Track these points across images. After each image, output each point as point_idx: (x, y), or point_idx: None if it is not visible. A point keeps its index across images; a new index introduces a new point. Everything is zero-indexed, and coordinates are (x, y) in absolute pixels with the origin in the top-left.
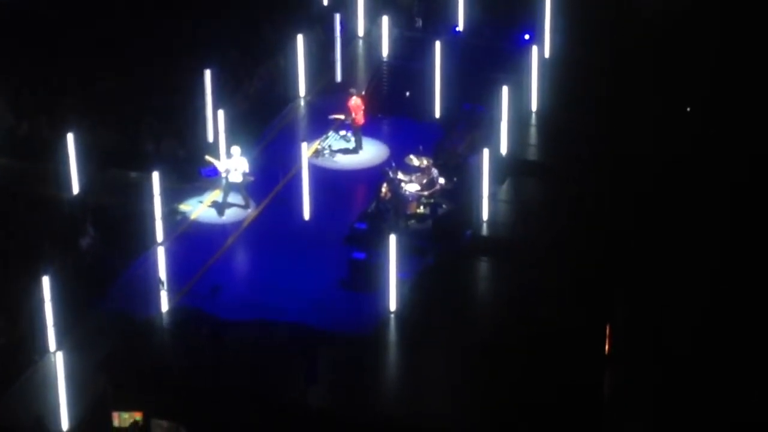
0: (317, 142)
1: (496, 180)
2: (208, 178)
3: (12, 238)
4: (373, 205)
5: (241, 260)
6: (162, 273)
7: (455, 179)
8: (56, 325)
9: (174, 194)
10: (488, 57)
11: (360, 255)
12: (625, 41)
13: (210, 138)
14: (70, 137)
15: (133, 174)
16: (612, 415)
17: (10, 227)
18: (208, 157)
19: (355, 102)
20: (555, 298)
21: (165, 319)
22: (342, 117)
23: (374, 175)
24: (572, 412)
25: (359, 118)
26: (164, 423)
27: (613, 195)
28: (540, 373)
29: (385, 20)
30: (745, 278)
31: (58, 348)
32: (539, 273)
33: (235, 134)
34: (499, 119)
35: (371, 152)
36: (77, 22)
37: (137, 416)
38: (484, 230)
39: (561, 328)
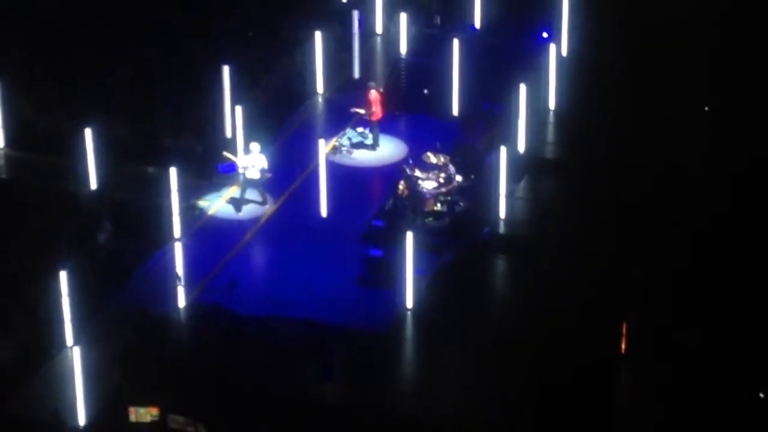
0: (335, 138)
1: (513, 178)
2: (225, 174)
3: (30, 232)
4: (391, 202)
5: (259, 256)
6: (179, 268)
7: (473, 177)
8: (73, 319)
9: (191, 190)
10: (506, 55)
11: (377, 252)
12: (642, 39)
13: (228, 134)
14: (88, 132)
15: (151, 169)
16: (626, 414)
17: (28, 222)
18: (225, 153)
19: (374, 96)
20: (571, 296)
21: (182, 315)
22: (362, 111)
23: (392, 173)
24: (587, 410)
25: (378, 111)
26: (181, 418)
27: (629, 194)
28: (555, 371)
29: (403, 17)
30: (762, 277)
31: (76, 342)
32: (556, 271)
33: (252, 130)
34: (517, 117)
35: (389, 149)
36: (96, 16)
37: (153, 411)
38: (501, 228)
39: (577, 326)
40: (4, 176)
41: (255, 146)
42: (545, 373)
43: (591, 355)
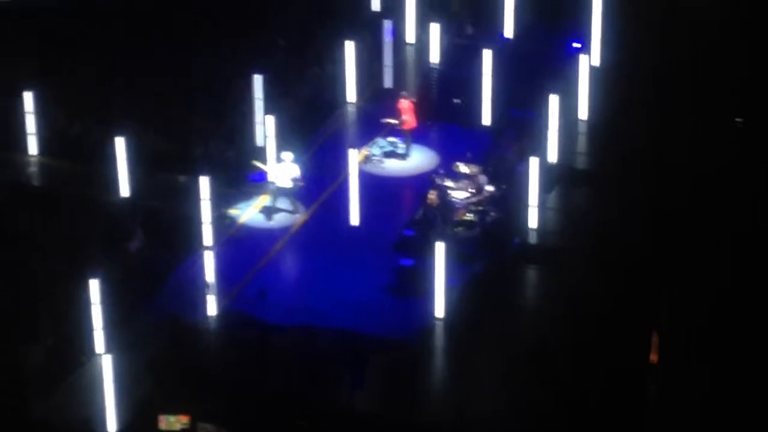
0: (366, 148)
1: (544, 188)
2: (256, 183)
3: (62, 239)
4: (421, 211)
5: (289, 265)
6: (210, 277)
7: (503, 187)
8: (104, 327)
9: (223, 198)
10: (538, 65)
11: (407, 261)
12: (675, 49)
13: (259, 143)
14: (120, 140)
15: (182, 178)
16: (658, 422)
17: (60, 229)
18: (255, 162)
19: (406, 105)
20: (602, 307)
21: (213, 323)
22: (395, 121)
23: (422, 182)
24: (618, 421)
25: (410, 120)
26: (210, 427)
27: (661, 204)
28: (587, 380)
29: (435, 27)
30: None
31: (106, 350)
32: (586, 281)
33: (284, 139)
34: (548, 127)
35: (420, 159)
36: (130, 24)
37: (184, 419)
38: (532, 238)
39: (608, 337)
40: (36, 183)
41: (287, 155)
42: (576, 383)
43: (622, 366)
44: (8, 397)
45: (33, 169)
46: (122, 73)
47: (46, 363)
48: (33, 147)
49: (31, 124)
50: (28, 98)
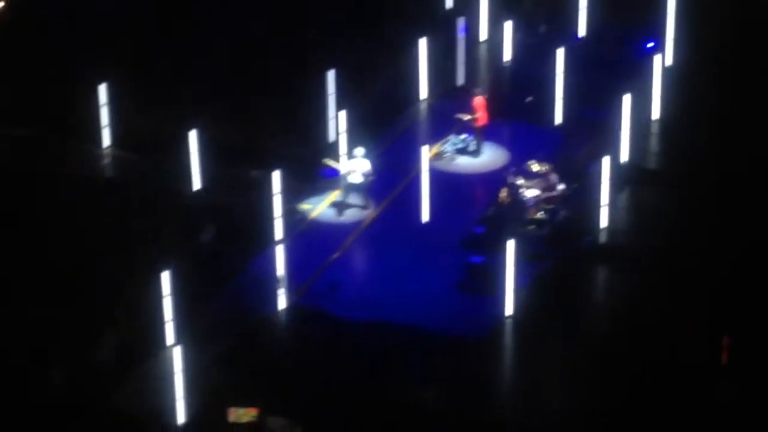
0: (438, 144)
1: (615, 187)
2: (328, 178)
3: (133, 231)
4: (492, 209)
5: (359, 260)
6: (280, 271)
7: (575, 185)
8: (175, 319)
9: (294, 193)
10: (611, 64)
11: (477, 259)
12: (748, 50)
13: (331, 138)
14: (193, 133)
15: (254, 171)
16: (728, 424)
17: (131, 221)
18: (326, 160)
19: (480, 101)
20: (672, 307)
21: (282, 317)
22: (468, 117)
23: (494, 180)
24: (688, 422)
25: (483, 117)
26: (280, 420)
27: (733, 205)
28: (655, 382)
29: (508, 25)
30: None
31: (177, 342)
32: (657, 281)
33: (356, 135)
34: (620, 127)
35: (491, 157)
36: (203, 18)
37: (252, 412)
38: (603, 237)
39: (678, 337)
40: (109, 175)
41: (359, 150)
42: (645, 383)
43: (692, 367)
44: (81, 387)
45: (106, 161)
46: (196, 65)
47: (117, 354)
48: (106, 139)
49: (104, 115)
50: (102, 90)
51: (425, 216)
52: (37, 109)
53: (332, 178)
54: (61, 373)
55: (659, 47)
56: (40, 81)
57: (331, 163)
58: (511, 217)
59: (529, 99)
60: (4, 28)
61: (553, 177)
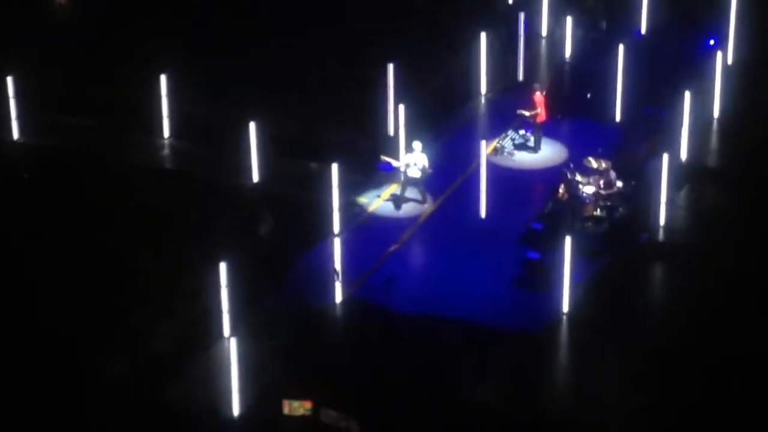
0: (496, 140)
1: (674, 185)
2: (386, 172)
3: (192, 222)
4: (550, 205)
5: (416, 255)
6: (337, 264)
7: (633, 183)
8: (231, 310)
9: (352, 186)
10: (672, 61)
11: (535, 255)
12: None
13: (390, 132)
14: (252, 125)
15: (313, 164)
16: None
17: (191, 212)
18: (384, 157)
19: (539, 97)
20: (731, 306)
21: (339, 310)
22: (527, 112)
23: (552, 176)
24: (747, 418)
25: (542, 113)
26: (334, 413)
27: None
28: (712, 379)
29: (568, 21)
30: None
31: (233, 334)
32: (715, 280)
33: (415, 129)
34: (680, 124)
35: (550, 152)
36: (261, 10)
37: (307, 405)
38: (661, 235)
39: (735, 336)
40: (168, 166)
41: (417, 145)
42: (702, 382)
43: (751, 365)
44: (137, 378)
45: (166, 152)
46: (256, 58)
47: (174, 344)
48: (166, 130)
49: (164, 106)
50: (163, 80)
51: (483, 211)
52: (98, 99)
53: (389, 171)
54: (117, 364)
55: (721, 44)
56: (102, 71)
57: (388, 160)
58: (569, 213)
59: (589, 95)
60: (67, 19)
61: (612, 174)
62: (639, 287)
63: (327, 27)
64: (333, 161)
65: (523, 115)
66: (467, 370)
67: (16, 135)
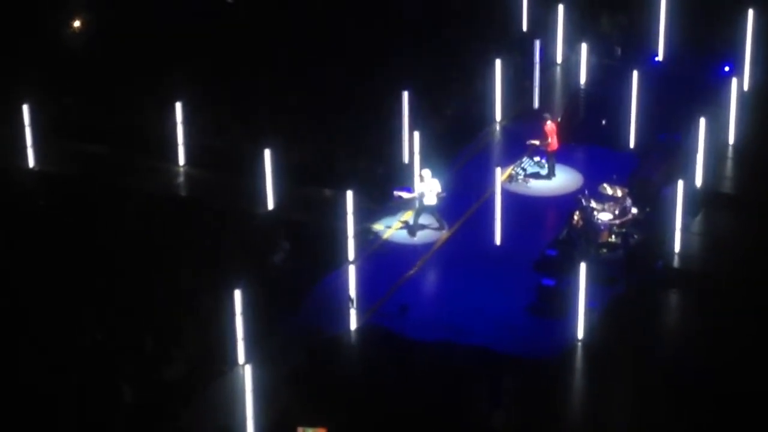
0: (511, 167)
1: (689, 212)
2: (400, 200)
3: (206, 249)
4: (565, 232)
5: (431, 282)
6: (352, 291)
7: (648, 209)
8: (246, 337)
9: (367, 213)
10: (686, 88)
11: (549, 281)
12: None
13: (405, 159)
14: (267, 153)
15: (328, 192)
16: None
17: (205, 239)
18: (397, 193)
19: (550, 126)
20: (745, 334)
21: (353, 337)
22: (537, 142)
23: (567, 202)
24: None
25: (554, 142)
26: None
27: None
28: (726, 407)
29: (584, 47)
30: None
31: (247, 360)
32: (730, 307)
33: (429, 156)
34: (695, 150)
35: (564, 179)
36: (276, 40)
37: None
38: (676, 262)
39: (751, 365)
40: (183, 194)
41: (426, 172)
42: (716, 409)
43: (764, 393)
44: (151, 405)
45: (180, 179)
46: (270, 86)
47: (188, 372)
48: (181, 157)
49: (180, 134)
50: (178, 108)
51: (498, 238)
52: (114, 126)
53: (404, 199)
54: (131, 390)
55: (736, 71)
56: (118, 98)
57: (401, 194)
58: (584, 240)
59: (604, 122)
60: (82, 47)
61: (627, 201)
62: (654, 314)
63: (342, 55)
64: (348, 188)
65: (534, 146)
66: (482, 397)
67: (31, 163)
